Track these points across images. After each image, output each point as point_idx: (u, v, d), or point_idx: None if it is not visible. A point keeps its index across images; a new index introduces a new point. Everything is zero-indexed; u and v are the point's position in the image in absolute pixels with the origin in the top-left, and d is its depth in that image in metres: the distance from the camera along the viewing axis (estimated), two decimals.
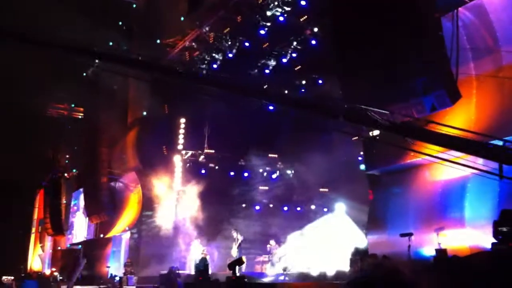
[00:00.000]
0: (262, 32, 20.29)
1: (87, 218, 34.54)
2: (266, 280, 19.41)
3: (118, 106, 31.58)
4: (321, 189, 23.34)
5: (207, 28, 22.69)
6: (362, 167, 18.82)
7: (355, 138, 17.93)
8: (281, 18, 19.56)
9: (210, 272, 20.39)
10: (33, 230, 44.71)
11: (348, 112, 10.03)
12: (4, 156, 34.48)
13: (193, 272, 21.64)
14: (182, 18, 24.34)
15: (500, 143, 10.00)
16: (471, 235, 13.44)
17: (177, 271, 21.09)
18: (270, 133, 22.33)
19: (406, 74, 13.00)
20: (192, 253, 24.28)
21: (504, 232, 11.36)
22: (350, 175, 20.92)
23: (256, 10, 20.09)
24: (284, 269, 19.83)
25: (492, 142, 10.19)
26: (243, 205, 25.53)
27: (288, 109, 10.94)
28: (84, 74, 35.06)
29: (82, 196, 35.91)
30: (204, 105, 23.94)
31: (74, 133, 39.00)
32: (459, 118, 13.58)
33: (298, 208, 24.57)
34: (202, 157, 26.30)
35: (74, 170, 39.43)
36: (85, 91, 34.29)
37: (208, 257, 21.60)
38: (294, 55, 21.03)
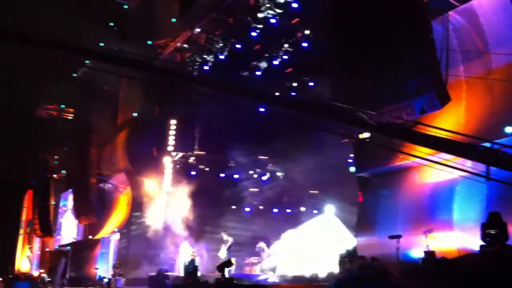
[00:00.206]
0: (254, 34, 20.31)
1: (76, 219, 34.35)
2: (255, 281, 19.38)
3: (109, 107, 31.51)
4: (311, 191, 23.34)
5: (198, 30, 22.70)
6: (352, 169, 18.85)
7: (346, 140, 17.96)
8: (272, 21, 19.57)
9: (199, 274, 20.33)
10: (21, 231, 44.40)
11: (337, 112, 10.05)
12: None
13: (182, 274, 21.55)
14: (173, 20, 24.31)
15: (489, 145, 10.05)
16: (459, 237, 13.50)
17: (166, 273, 21.00)
18: (260, 135, 22.31)
19: (396, 76, 13.09)
20: (181, 255, 24.19)
21: (492, 235, 11.42)
22: (340, 177, 20.93)
23: (248, 12, 20.11)
24: (273, 269, 19.84)
25: (482, 144, 10.23)
26: (233, 207, 25.47)
27: (283, 109, 10.93)
28: (75, 75, 34.97)
29: (71, 197, 35.72)
30: (195, 107, 23.93)
31: (64, 134, 38.85)
32: (448, 121, 13.65)
33: (288, 210, 24.55)
34: (192, 158, 26.24)
35: (63, 171, 39.24)
36: (75, 92, 34.19)
37: (197, 259, 21.53)
38: (285, 57, 21.06)
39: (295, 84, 21.57)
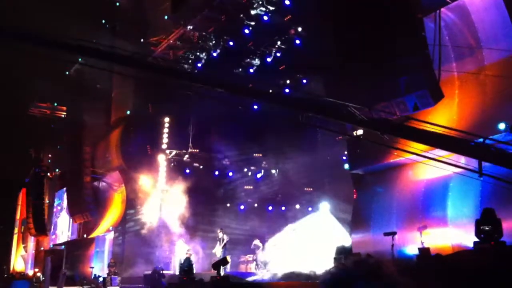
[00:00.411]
0: (247, 31, 20.25)
1: (71, 218, 34.26)
2: (250, 279, 19.41)
3: (102, 105, 31.36)
4: (305, 189, 23.35)
5: (191, 27, 22.60)
6: (346, 166, 18.88)
7: (340, 137, 17.98)
8: (265, 18, 19.52)
9: (194, 272, 20.33)
10: (16, 230, 44.24)
11: (328, 107, 10.06)
12: None
13: (177, 272, 21.55)
14: (166, 17, 24.19)
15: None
16: (453, 233, 13.58)
17: (161, 271, 20.97)
18: (255, 132, 22.31)
19: (389, 73, 13.09)
20: (177, 253, 24.19)
21: (486, 231, 11.48)
22: (334, 174, 20.97)
23: (241, 9, 20.04)
24: (268, 267, 19.88)
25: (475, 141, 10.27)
26: (228, 205, 25.46)
27: (275, 106, 10.94)
28: (67, 73, 34.80)
29: (65, 196, 35.61)
30: (189, 105, 23.85)
31: (57, 133, 38.67)
32: (441, 118, 13.69)
33: (283, 208, 24.56)
34: (186, 156, 26.18)
35: (57, 170, 39.09)
36: (68, 90, 34.01)
37: (192, 257, 21.54)
38: (278, 54, 21.02)
39: (288, 82, 21.54)
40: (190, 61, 23.12)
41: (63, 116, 38.90)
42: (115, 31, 30.09)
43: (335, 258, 16.00)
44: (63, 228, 36.80)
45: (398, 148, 11.62)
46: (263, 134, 22.20)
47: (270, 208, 25.06)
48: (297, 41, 20.16)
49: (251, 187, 25.67)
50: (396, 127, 10.65)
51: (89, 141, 32.11)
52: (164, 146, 26.20)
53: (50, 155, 40.06)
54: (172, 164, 26.29)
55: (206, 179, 25.60)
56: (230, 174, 25.83)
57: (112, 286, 23.41)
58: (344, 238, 18.04)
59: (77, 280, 27.63)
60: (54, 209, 38.95)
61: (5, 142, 36.96)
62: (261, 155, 25.43)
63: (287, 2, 18.87)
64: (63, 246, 34.50)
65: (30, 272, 37.48)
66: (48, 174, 38.26)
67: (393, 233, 13.74)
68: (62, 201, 37.43)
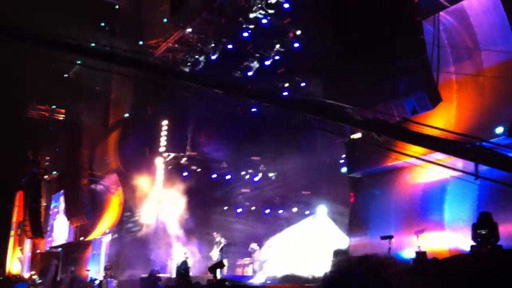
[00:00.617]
0: (246, 34, 20.26)
1: (68, 220, 34.20)
2: (247, 282, 19.34)
3: (100, 107, 31.39)
4: (303, 192, 23.29)
5: (190, 30, 22.62)
6: (344, 169, 18.85)
7: (338, 140, 17.97)
8: (264, 21, 19.54)
9: (191, 275, 20.26)
10: (12, 232, 44.15)
11: (325, 108, 10.07)
12: None
13: (174, 275, 21.47)
14: (165, 20, 24.23)
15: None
16: (450, 237, 13.54)
17: (158, 274, 20.95)
18: (252, 135, 22.25)
19: (388, 76, 13.11)
20: (173, 256, 24.12)
21: (482, 235, 11.45)
22: (332, 177, 20.91)
23: (240, 12, 20.06)
24: (265, 270, 19.82)
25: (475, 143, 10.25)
26: (225, 208, 25.37)
27: (271, 107, 10.93)
28: (66, 75, 34.82)
29: (62, 198, 35.56)
30: (187, 108, 23.83)
31: (55, 135, 38.67)
32: (440, 121, 13.66)
33: (280, 211, 24.45)
34: (184, 159, 26.14)
35: (55, 172, 39.04)
36: (67, 92, 34.02)
37: (189, 260, 21.47)
38: (277, 57, 21.01)
39: (287, 84, 21.53)
40: (189, 63, 23.10)
41: (61, 118, 38.93)
42: (115, 33, 30.15)
43: (333, 261, 15.92)
44: (60, 230, 36.72)
45: (396, 151, 11.60)
46: (261, 137, 22.15)
47: (267, 211, 24.96)
48: (296, 44, 20.17)
49: (249, 190, 25.58)
50: (393, 129, 10.64)
51: (87, 143, 32.14)
52: (162, 148, 26.15)
53: (48, 157, 40.02)
54: (170, 167, 26.25)
55: (204, 182, 25.54)
56: (228, 177, 25.75)
57: None
58: (342, 241, 17.97)
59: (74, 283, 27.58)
60: (51, 212, 38.88)
61: (3, 144, 36.90)
62: (258, 158, 25.37)
63: (286, 6, 18.91)
64: (59, 249, 34.43)
65: (27, 275, 37.38)
66: (46, 176, 38.20)
67: (390, 237, 13.71)
68: (59, 204, 37.38)
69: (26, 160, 39.13)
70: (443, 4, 13.98)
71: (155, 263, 23.61)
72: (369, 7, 13.68)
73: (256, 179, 25.58)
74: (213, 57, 22.05)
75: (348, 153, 17.75)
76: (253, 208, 25.31)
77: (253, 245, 21.75)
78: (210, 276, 17.32)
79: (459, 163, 11.62)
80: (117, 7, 31.39)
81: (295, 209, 23.48)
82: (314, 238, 19.52)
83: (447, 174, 12.41)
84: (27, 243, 41.22)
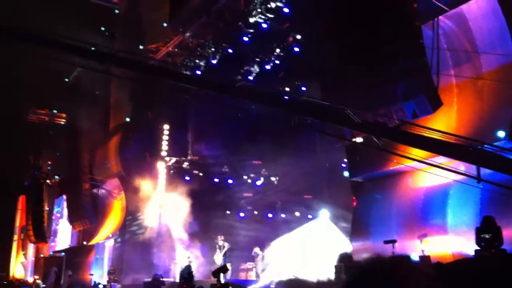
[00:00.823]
0: (246, 38, 20.25)
1: (70, 225, 34.24)
2: (250, 287, 19.39)
3: (100, 111, 31.38)
4: (305, 196, 23.31)
5: (190, 34, 22.62)
6: (346, 173, 18.87)
7: (339, 144, 17.98)
8: (264, 25, 19.53)
9: (194, 279, 20.28)
10: (16, 237, 44.21)
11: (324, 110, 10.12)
12: None
13: (177, 280, 21.50)
14: (165, 24, 24.24)
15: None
16: (454, 241, 13.57)
17: (161, 279, 20.94)
18: (254, 140, 22.26)
19: (387, 80, 13.15)
20: (177, 260, 24.16)
21: (486, 239, 11.44)
22: (334, 182, 20.94)
23: (239, 17, 20.05)
24: (267, 275, 19.87)
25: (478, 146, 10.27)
26: (228, 212, 25.40)
27: (269, 108, 10.96)
28: (66, 80, 34.85)
29: (65, 203, 35.59)
30: (188, 111, 23.84)
31: (56, 139, 38.70)
32: (440, 125, 13.66)
33: (283, 215, 24.50)
34: (186, 163, 26.15)
35: (57, 177, 39.08)
36: (67, 97, 34.05)
37: (192, 264, 21.50)
38: (277, 61, 21.02)
39: (287, 89, 21.54)
40: (189, 68, 23.10)
41: (62, 123, 38.96)
42: (114, 38, 30.15)
43: (336, 266, 15.96)
44: (63, 235, 36.77)
45: (397, 154, 11.65)
46: (263, 141, 22.15)
47: (269, 215, 25.00)
48: (296, 49, 20.17)
49: (251, 194, 25.61)
50: (392, 131, 10.67)
51: (87, 148, 32.15)
52: (163, 153, 26.17)
53: (49, 162, 40.07)
54: (172, 171, 26.26)
55: (206, 186, 25.56)
56: (230, 181, 25.79)
57: None
58: (344, 245, 18.00)
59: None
60: (54, 216, 38.93)
61: (4, 148, 36.96)
62: (260, 162, 25.40)
63: (286, 10, 18.89)
64: (63, 253, 34.47)
65: (30, 279, 37.45)
66: (48, 181, 38.26)
67: (393, 241, 13.72)
68: (61, 208, 37.42)
69: (27, 165, 39.23)
70: (442, 9, 13.99)
71: (158, 267, 23.63)
72: (368, 12, 13.71)
73: (258, 183, 25.62)
74: (213, 62, 22.05)
75: (349, 157, 17.78)
76: (255, 212, 25.35)
77: (256, 249, 21.81)
78: (213, 280, 17.31)
79: (461, 167, 11.66)
80: (116, 11, 31.37)
81: (297, 213, 23.52)
82: (316, 242, 19.57)
83: (449, 178, 12.43)
84: (30, 248, 41.28)
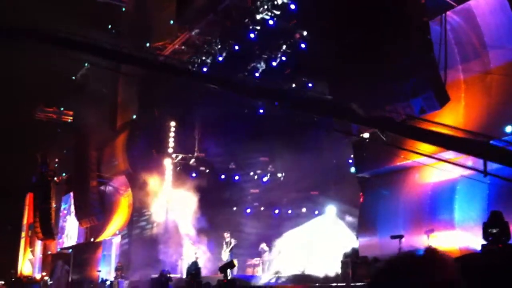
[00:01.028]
0: (252, 35, 20.28)
1: (77, 221, 34.42)
2: (257, 282, 19.45)
3: (107, 109, 31.52)
4: (312, 192, 23.36)
5: (196, 32, 22.68)
6: (353, 169, 18.89)
7: (345, 140, 18.00)
8: (270, 22, 19.56)
9: (201, 275, 20.38)
10: (23, 234, 44.47)
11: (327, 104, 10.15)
12: None
13: (184, 276, 21.61)
14: (171, 22, 24.32)
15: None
16: (461, 236, 13.56)
17: (168, 275, 21.05)
18: (261, 136, 22.31)
19: (395, 76, 13.14)
20: (184, 256, 24.26)
21: (494, 234, 11.44)
22: (341, 177, 20.97)
23: (246, 13, 20.10)
24: (274, 271, 19.93)
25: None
26: (234, 208, 25.48)
27: (273, 103, 10.98)
28: (73, 77, 35.02)
29: (72, 200, 35.77)
30: (195, 109, 23.91)
31: (63, 137, 38.89)
32: (448, 121, 13.61)
33: (289, 211, 24.54)
34: (192, 160, 26.24)
35: (64, 174, 39.27)
36: (74, 94, 34.21)
37: (199, 260, 21.60)
38: (283, 58, 21.04)
39: (294, 85, 21.56)
40: (195, 65, 23.15)
41: (69, 120, 39.14)
42: (121, 36, 30.28)
43: (342, 262, 16.01)
44: (70, 232, 36.96)
45: (404, 149, 11.68)
46: (269, 137, 22.18)
47: (276, 211, 25.05)
48: (303, 45, 20.19)
49: (257, 190, 25.67)
50: (399, 126, 10.68)
51: (95, 145, 32.28)
52: (170, 150, 26.28)
53: (56, 159, 40.26)
54: (178, 168, 26.36)
55: (212, 183, 25.66)
56: (236, 177, 25.87)
57: None
58: (351, 241, 18.04)
59: (85, 284, 27.81)
60: (61, 213, 39.13)
61: (11, 146, 37.21)
62: (267, 158, 25.46)
63: (293, 7, 18.91)
64: (70, 250, 34.67)
65: (38, 276, 37.68)
66: (55, 178, 38.45)
67: (401, 236, 13.71)
68: (68, 205, 37.60)
69: (35, 162, 39.44)
70: (450, 4, 13.97)
71: (165, 264, 23.75)
72: (376, 8, 13.71)
73: (264, 179, 25.68)
74: (220, 59, 22.10)
75: (356, 153, 17.79)
76: (262, 208, 25.40)
77: (263, 245, 21.88)
78: (220, 276, 17.39)
79: (469, 162, 11.68)
80: (123, 9, 31.49)
81: (304, 209, 23.56)
82: (323, 238, 19.61)
83: (456, 173, 12.45)
84: (38, 245, 41.52)
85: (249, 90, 11.30)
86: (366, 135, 15.16)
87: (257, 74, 21.68)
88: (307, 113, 11.64)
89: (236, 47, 21.54)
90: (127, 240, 27.69)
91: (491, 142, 9.98)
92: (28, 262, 43.26)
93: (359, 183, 17.79)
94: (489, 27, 13.50)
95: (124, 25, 30.93)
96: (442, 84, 12.72)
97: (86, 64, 32.66)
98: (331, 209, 20.50)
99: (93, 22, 27.97)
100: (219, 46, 21.96)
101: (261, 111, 21.40)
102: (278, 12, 19.17)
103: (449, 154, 11.06)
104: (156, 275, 21.18)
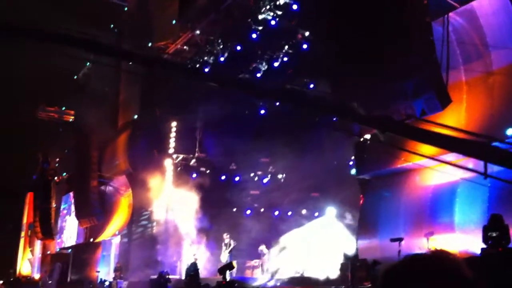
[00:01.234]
0: (254, 35, 20.23)
1: (77, 221, 34.35)
2: (256, 284, 19.34)
3: (109, 109, 31.50)
4: (312, 194, 23.28)
5: (198, 32, 22.63)
6: (353, 171, 18.80)
7: (346, 142, 17.93)
8: (272, 22, 19.50)
9: (200, 276, 20.28)
10: (23, 234, 44.38)
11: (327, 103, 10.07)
12: None
13: (183, 277, 21.50)
14: (174, 22, 24.28)
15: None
16: (461, 240, 13.46)
17: (167, 276, 20.94)
18: (262, 137, 22.25)
19: (396, 77, 13.05)
20: (183, 257, 24.15)
21: (493, 237, 11.35)
22: (341, 179, 20.88)
23: (248, 13, 20.04)
24: (273, 272, 19.83)
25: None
26: (234, 209, 25.38)
27: (273, 100, 10.92)
28: (75, 77, 35.01)
29: (72, 200, 35.72)
30: (196, 109, 23.86)
31: (65, 136, 38.85)
32: (449, 123, 13.48)
33: (289, 213, 24.44)
34: (193, 161, 26.16)
35: (64, 174, 39.22)
36: (76, 94, 34.20)
37: (198, 262, 21.49)
38: (285, 59, 20.97)
39: (296, 86, 21.49)
40: (198, 65, 23.09)
41: (70, 120, 39.09)
42: (123, 35, 30.27)
43: (342, 264, 15.90)
44: (70, 232, 36.89)
45: (405, 150, 11.60)
46: (270, 139, 22.13)
47: (276, 213, 24.96)
48: (305, 46, 20.12)
49: (258, 191, 25.59)
50: (398, 125, 10.57)
51: (96, 145, 32.23)
52: (171, 150, 26.20)
53: (57, 159, 40.21)
54: (179, 168, 26.27)
55: (213, 184, 25.55)
56: (237, 178, 25.78)
57: None
58: (351, 243, 17.93)
59: (84, 284, 27.71)
60: (61, 213, 39.07)
61: (12, 145, 37.20)
62: (268, 159, 25.38)
63: (295, 7, 18.85)
64: (69, 250, 34.60)
65: (37, 276, 37.60)
66: (55, 178, 38.39)
67: (400, 239, 13.60)
68: (68, 205, 37.54)
69: (36, 162, 39.40)
70: (452, 5, 13.89)
71: (164, 265, 23.65)
72: (378, 8, 13.63)
73: (265, 180, 25.60)
74: (222, 59, 22.03)
75: (356, 155, 17.72)
76: (262, 209, 25.31)
77: (262, 247, 21.76)
78: (219, 277, 17.32)
79: (470, 164, 11.57)
80: (125, 9, 31.49)
81: (304, 211, 23.47)
82: (323, 240, 19.51)
83: (457, 176, 12.35)
84: (37, 244, 41.42)
85: (250, 88, 11.24)
86: (367, 136, 15.07)
87: (258, 75, 21.61)
88: (309, 111, 11.56)
89: (238, 47, 21.48)
90: (127, 240, 27.62)
91: (493, 144, 9.88)
92: (27, 262, 43.17)
93: (359, 185, 17.72)
94: (491, 28, 13.42)
95: (126, 25, 30.92)
96: (444, 85, 12.62)
97: (87, 64, 32.68)
98: (331, 211, 20.40)
99: (95, 22, 27.93)
100: (221, 46, 21.90)
101: (262, 111, 21.34)
102: (280, 12, 19.10)
103: (450, 156, 10.97)
104: (155, 276, 21.08)
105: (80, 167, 33.60)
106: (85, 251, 31.85)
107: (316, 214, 22.06)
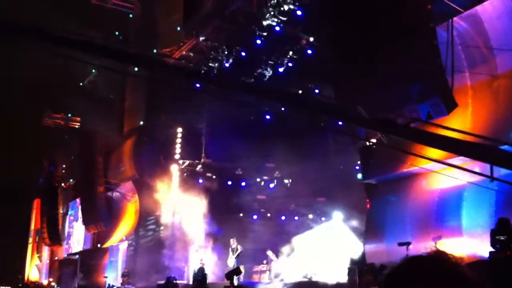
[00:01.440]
0: (259, 42, 20.30)
1: (84, 227, 34.50)
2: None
3: (115, 115, 31.63)
4: (318, 198, 23.32)
5: (203, 38, 22.72)
6: (359, 176, 18.83)
7: (352, 146, 17.95)
8: (277, 28, 19.57)
9: (208, 281, 20.34)
10: (31, 240, 44.61)
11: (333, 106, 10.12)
12: (1, 166, 34.48)
13: (191, 282, 21.56)
14: (178, 28, 24.39)
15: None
16: (468, 244, 13.46)
17: (175, 281, 21.00)
18: (267, 142, 22.32)
19: (401, 82, 13.09)
20: (190, 262, 24.21)
21: (501, 241, 11.36)
22: (348, 184, 20.91)
23: (252, 20, 20.12)
24: (281, 277, 19.85)
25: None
26: (241, 215, 25.43)
27: (278, 103, 10.97)
28: (81, 84, 35.18)
29: (79, 206, 35.87)
30: (202, 115, 23.94)
31: (71, 143, 39.04)
32: (455, 127, 13.47)
33: (296, 218, 24.49)
34: (199, 166, 26.23)
35: (71, 180, 39.40)
36: (82, 100, 34.36)
37: (206, 267, 21.54)
38: (290, 64, 21.04)
39: (300, 91, 21.54)
40: (202, 71, 23.17)
41: (76, 126, 39.27)
42: (128, 42, 30.42)
43: (349, 268, 15.91)
44: (77, 238, 37.04)
45: (410, 153, 11.63)
46: (276, 144, 22.20)
47: (283, 217, 25.00)
48: (309, 51, 20.18)
49: (264, 196, 25.65)
50: (404, 129, 10.59)
51: (102, 151, 32.38)
52: (177, 156, 26.29)
53: (64, 165, 40.41)
54: (185, 174, 26.35)
55: (219, 189, 25.61)
56: (243, 184, 25.84)
57: None
58: (358, 248, 17.95)
59: None
60: (68, 219, 39.24)
61: (19, 152, 37.40)
62: (274, 165, 25.44)
63: (299, 13, 18.92)
64: (77, 256, 34.73)
65: (45, 282, 37.76)
66: (62, 184, 38.58)
67: (408, 243, 13.61)
68: (75, 211, 37.70)
69: (42, 168, 39.61)
70: (456, 10, 13.91)
71: (171, 270, 23.72)
72: (383, 13, 13.69)
73: (271, 185, 25.65)
74: (227, 65, 22.12)
75: (362, 160, 17.74)
76: (268, 214, 25.36)
77: (269, 252, 21.79)
78: (227, 282, 17.35)
79: (476, 168, 11.61)
80: (130, 16, 31.64)
81: (310, 216, 23.50)
82: (329, 245, 19.53)
83: (464, 180, 12.36)
84: (45, 251, 41.62)
85: (254, 91, 11.29)
86: (373, 140, 15.10)
87: (265, 79, 21.69)
88: (315, 115, 11.60)
89: (243, 53, 21.56)
90: (134, 246, 27.72)
91: (500, 147, 9.91)
92: (35, 268, 43.36)
93: (365, 190, 17.73)
94: (496, 32, 13.44)
95: (131, 32, 31.07)
96: (449, 90, 12.65)
97: (93, 71, 32.85)
98: (337, 216, 20.42)
99: (100, 28, 28.08)
100: (226, 52, 21.98)
101: (267, 117, 21.38)
102: (284, 18, 19.16)
103: (456, 160, 11.00)
104: (163, 282, 21.14)
105: (86, 173, 33.76)
106: (93, 257, 31.99)
107: (323, 218, 22.09)
